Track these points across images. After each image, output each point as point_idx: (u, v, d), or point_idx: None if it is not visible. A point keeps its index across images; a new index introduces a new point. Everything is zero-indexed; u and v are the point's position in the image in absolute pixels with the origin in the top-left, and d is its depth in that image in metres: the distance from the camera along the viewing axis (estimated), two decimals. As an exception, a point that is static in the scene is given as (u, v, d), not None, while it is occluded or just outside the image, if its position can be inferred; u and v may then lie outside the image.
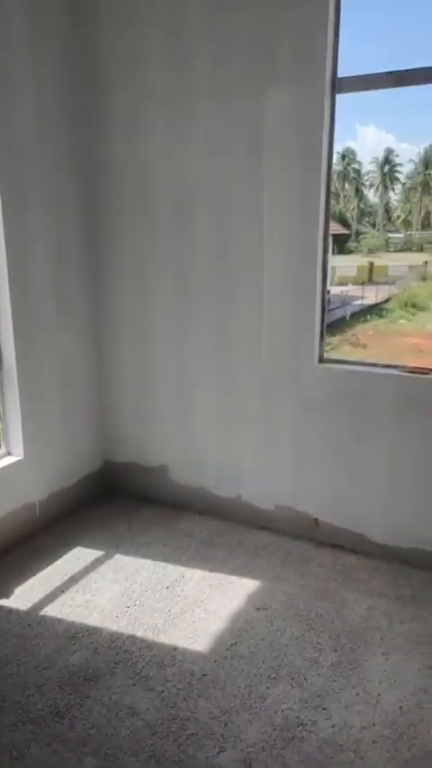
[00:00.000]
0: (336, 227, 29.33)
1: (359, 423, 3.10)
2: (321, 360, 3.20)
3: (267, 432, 3.39)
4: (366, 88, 2.92)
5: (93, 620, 2.69)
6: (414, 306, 23.27)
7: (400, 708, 2.19)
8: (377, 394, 3.02)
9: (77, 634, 2.60)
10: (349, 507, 3.24)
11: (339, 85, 2.86)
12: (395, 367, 3.04)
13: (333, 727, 2.11)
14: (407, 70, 2.75)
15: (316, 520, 3.35)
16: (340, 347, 18.34)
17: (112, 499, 3.89)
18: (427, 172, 46.74)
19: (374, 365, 3.19)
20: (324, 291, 3.15)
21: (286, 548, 3.30)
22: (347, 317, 21.85)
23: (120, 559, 3.20)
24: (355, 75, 2.84)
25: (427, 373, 2.92)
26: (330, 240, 3.14)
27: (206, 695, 2.25)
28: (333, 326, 19.87)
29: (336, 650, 2.50)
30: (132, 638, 2.57)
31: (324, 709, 2.19)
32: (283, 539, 3.39)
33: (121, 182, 3.46)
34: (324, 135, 2.88)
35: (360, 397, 3.07)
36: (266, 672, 2.37)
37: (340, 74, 2.84)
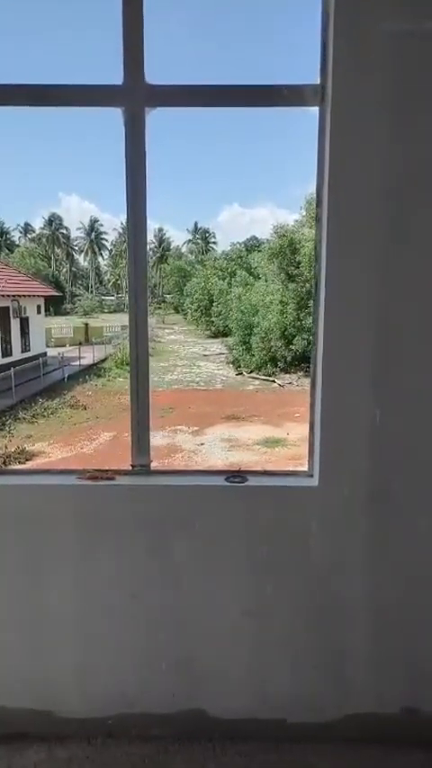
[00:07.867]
0: (50, 289, 28.91)
1: (33, 559, 2.20)
2: (-30, 472, 2.24)
3: None
4: None
5: None
6: (128, 364, 23.87)
7: None
8: (53, 514, 2.18)
9: None
10: (30, 677, 2.28)
11: None
12: (72, 473, 2.26)
13: None
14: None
15: (-17, 706, 2.29)
16: (60, 410, 17.65)
17: None
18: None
19: (47, 472, 2.36)
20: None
21: None
22: (65, 379, 21.38)
23: None
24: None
25: (111, 478, 2.22)
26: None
27: None
28: (51, 389, 19.49)
29: None
30: None
31: None
32: None
33: None
34: None
35: (31, 523, 2.18)
36: None
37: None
